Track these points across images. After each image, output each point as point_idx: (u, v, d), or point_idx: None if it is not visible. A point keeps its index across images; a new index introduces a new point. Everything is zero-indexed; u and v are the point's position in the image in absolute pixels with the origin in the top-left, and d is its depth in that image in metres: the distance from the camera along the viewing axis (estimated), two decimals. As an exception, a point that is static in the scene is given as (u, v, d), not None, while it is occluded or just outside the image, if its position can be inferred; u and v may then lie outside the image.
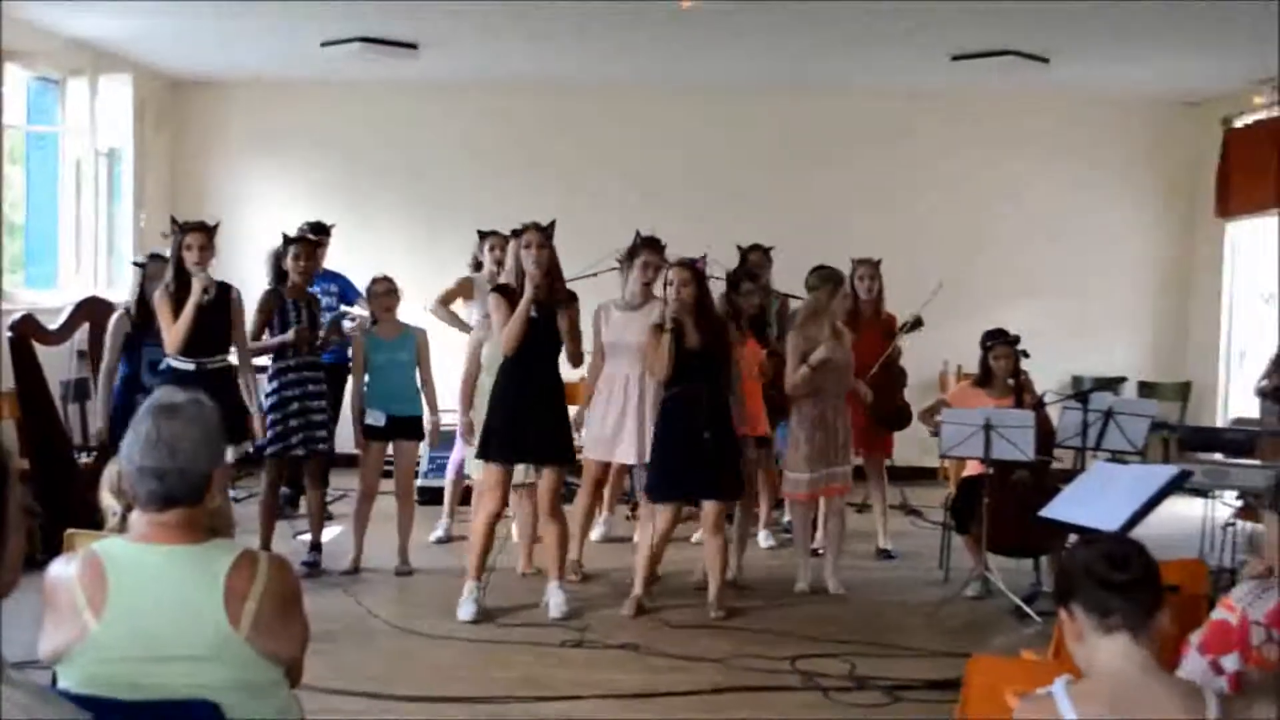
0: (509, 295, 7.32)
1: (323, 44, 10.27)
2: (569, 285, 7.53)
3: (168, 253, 7.96)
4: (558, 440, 7.47)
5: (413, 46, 10.35)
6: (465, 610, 7.38)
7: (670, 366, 7.36)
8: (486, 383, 8.01)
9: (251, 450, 8.07)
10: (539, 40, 10.31)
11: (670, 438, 7.51)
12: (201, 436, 3.09)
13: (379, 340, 8.48)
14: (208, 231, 7.77)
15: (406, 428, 8.52)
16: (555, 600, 7.51)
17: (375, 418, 8.39)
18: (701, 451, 7.35)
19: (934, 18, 9.23)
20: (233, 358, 7.90)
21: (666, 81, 12.10)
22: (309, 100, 12.42)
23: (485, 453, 7.48)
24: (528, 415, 7.32)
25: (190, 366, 7.57)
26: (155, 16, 9.65)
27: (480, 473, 7.98)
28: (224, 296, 7.77)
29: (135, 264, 8.85)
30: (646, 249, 8.20)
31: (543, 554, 7.85)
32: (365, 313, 9.32)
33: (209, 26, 10.01)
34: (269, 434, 8.04)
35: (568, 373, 7.73)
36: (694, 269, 7.54)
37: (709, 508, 7.62)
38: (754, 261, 9.12)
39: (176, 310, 7.56)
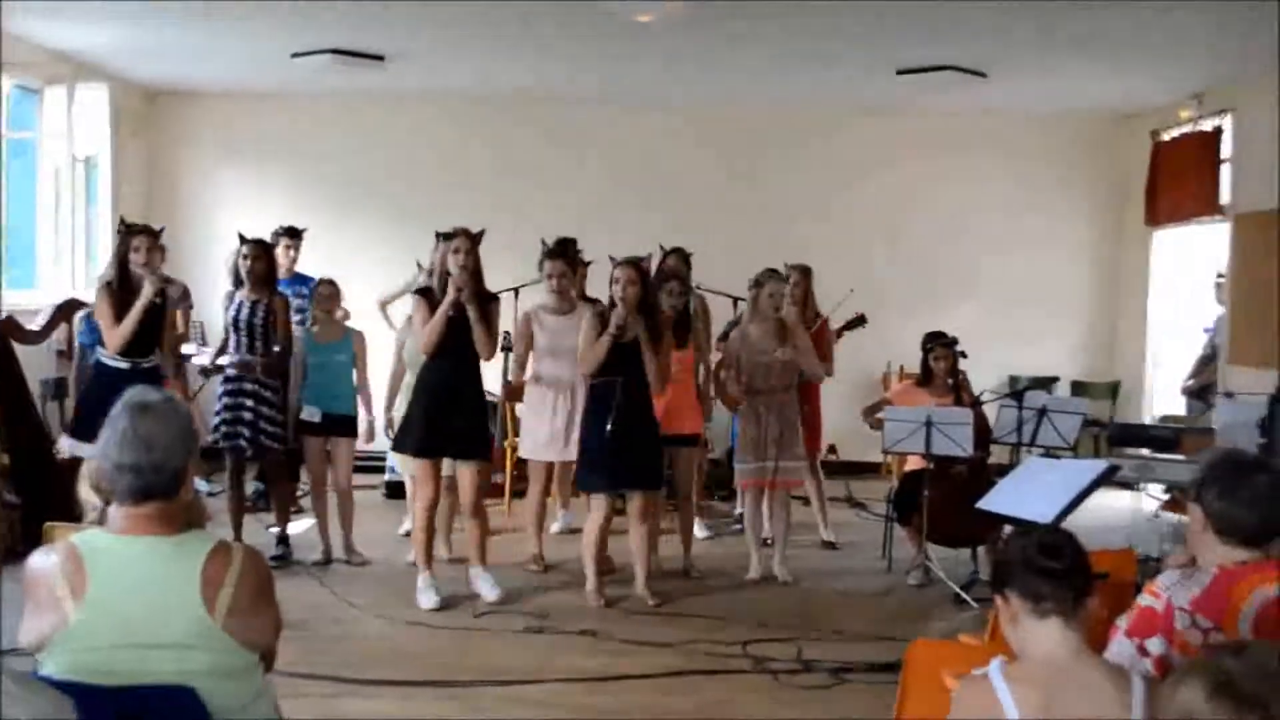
0: (430, 298, 7.34)
1: (293, 55, 10.22)
2: (522, 290, 7.54)
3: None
4: (474, 437, 7.46)
5: (380, 58, 10.31)
6: (425, 599, 7.39)
7: (600, 362, 7.37)
8: (411, 380, 8.03)
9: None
10: (500, 53, 10.29)
11: (589, 431, 7.52)
12: (175, 433, 3.09)
13: (318, 344, 8.45)
14: (154, 235, 7.69)
15: (342, 425, 8.47)
16: (486, 585, 7.53)
17: (310, 414, 8.35)
18: (612, 443, 7.32)
19: (880, 34, 9.26)
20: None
21: (622, 94, 12.09)
22: (280, 109, 12.35)
23: (400, 445, 7.54)
24: (445, 412, 7.32)
25: (125, 365, 7.52)
26: (132, 28, 9.59)
27: (401, 466, 8.13)
28: (163, 296, 7.70)
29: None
30: (549, 258, 8.24)
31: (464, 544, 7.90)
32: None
33: (183, 38, 9.94)
34: (220, 431, 7.99)
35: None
36: (639, 268, 7.54)
37: (631, 496, 7.59)
38: (672, 265, 9.04)
39: (118, 309, 7.48)
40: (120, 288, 7.54)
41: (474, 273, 7.30)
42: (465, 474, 7.48)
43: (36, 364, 9.17)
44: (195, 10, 8.93)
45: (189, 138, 12.50)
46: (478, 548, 7.60)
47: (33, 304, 9.58)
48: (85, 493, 3.98)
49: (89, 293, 10.16)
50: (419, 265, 9.04)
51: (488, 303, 7.40)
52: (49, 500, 7.88)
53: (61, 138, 10.79)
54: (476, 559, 7.61)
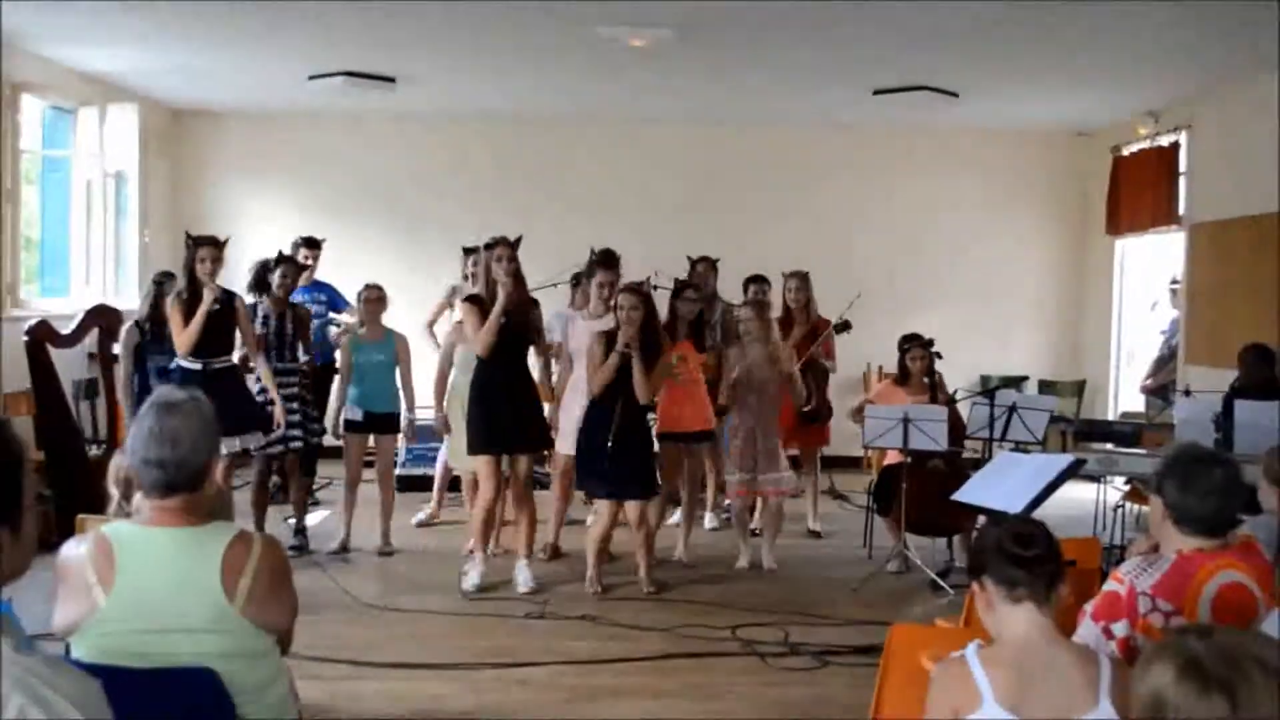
0: (480, 304, 7.32)
1: (310, 77, 10.21)
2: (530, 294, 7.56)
3: (175, 268, 7.90)
4: (533, 428, 7.49)
5: (391, 80, 10.30)
6: (472, 577, 7.43)
7: (607, 383, 7.34)
8: (459, 380, 8.00)
9: (264, 438, 7.91)
10: (503, 76, 10.28)
11: (587, 441, 7.49)
12: (199, 430, 3.09)
13: (363, 343, 8.45)
14: (218, 245, 7.70)
15: (384, 423, 8.49)
16: (523, 577, 7.49)
17: (353, 413, 8.36)
18: (609, 457, 7.30)
19: (858, 58, 9.27)
20: (235, 358, 7.84)
21: (616, 113, 12.10)
22: (297, 128, 12.33)
23: (474, 447, 7.45)
24: (506, 409, 7.31)
25: (198, 366, 7.51)
26: (158, 53, 9.58)
27: (462, 463, 8.12)
28: (230, 304, 7.71)
29: (154, 280, 8.71)
30: (601, 267, 8.19)
31: (509, 535, 7.84)
32: (352, 319, 9.30)
33: (207, 62, 9.93)
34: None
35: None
36: (641, 293, 7.48)
37: (629, 506, 7.55)
38: (699, 272, 9.17)
39: (187, 316, 7.49)
40: (190, 297, 7.53)
41: (515, 275, 7.30)
42: (521, 464, 7.47)
43: (69, 367, 9.14)
44: (217, 36, 8.93)
45: (211, 155, 12.48)
46: (526, 540, 7.57)
47: (66, 311, 9.55)
48: (111, 487, 3.98)
49: (119, 300, 10.17)
50: (453, 287, 9.12)
51: (531, 308, 7.46)
52: (80, 494, 7.89)
53: (94, 155, 10.78)
54: (524, 550, 7.57)
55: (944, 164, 12.72)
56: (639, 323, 7.33)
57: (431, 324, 9.45)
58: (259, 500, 8.13)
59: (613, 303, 7.59)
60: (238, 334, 7.88)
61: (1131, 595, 3.28)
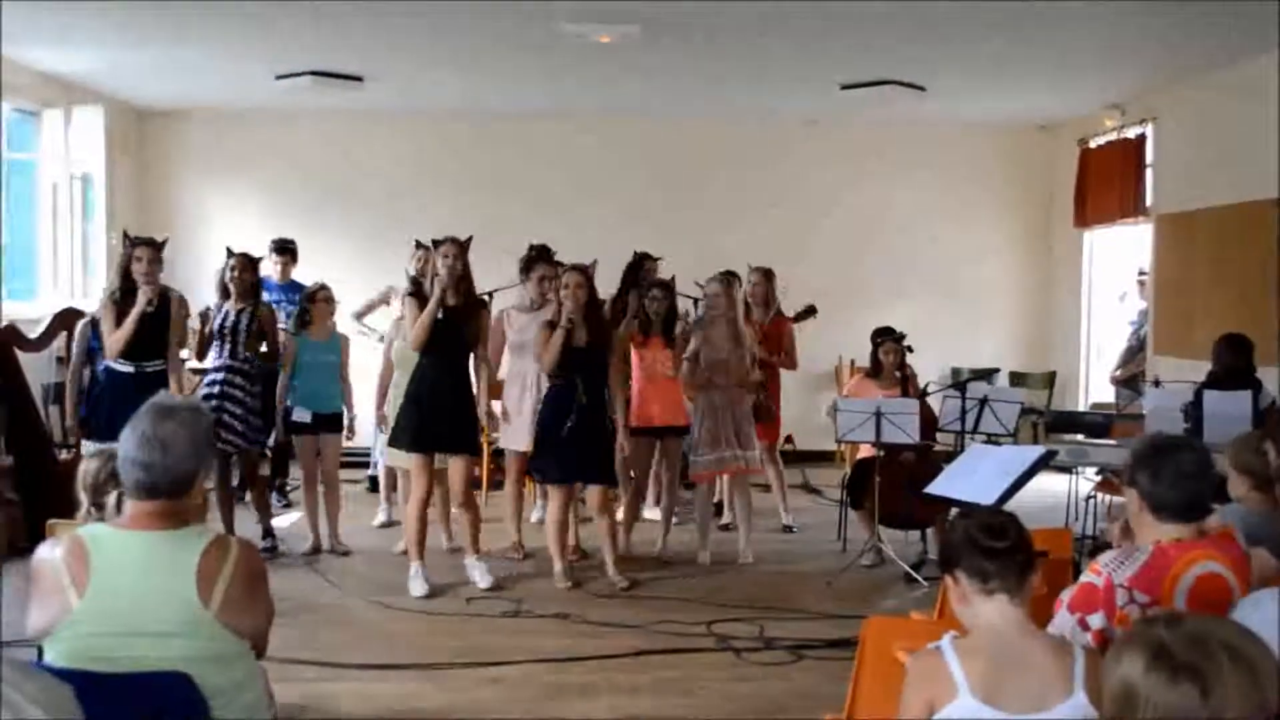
0: (420, 298, 7.31)
1: (277, 77, 10.17)
2: (493, 294, 7.54)
3: None
4: (464, 432, 7.40)
5: (358, 79, 10.27)
6: (416, 587, 7.34)
7: (556, 360, 7.38)
8: (399, 378, 8.01)
9: None
10: (469, 73, 10.25)
11: (547, 426, 7.52)
12: (190, 439, 3.09)
13: (310, 341, 8.39)
14: (155, 247, 7.58)
15: (330, 422, 8.42)
16: (478, 573, 7.48)
17: (301, 415, 8.29)
18: (570, 438, 7.35)
19: (823, 52, 9.29)
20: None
21: (582, 109, 12.08)
22: (265, 127, 12.26)
23: (396, 440, 7.48)
24: (436, 408, 7.28)
25: (130, 369, 7.43)
26: (124, 52, 9.52)
27: (393, 459, 8.13)
28: (165, 303, 7.57)
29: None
30: (541, 262, 8.24)
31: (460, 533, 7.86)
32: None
33: (173, 61, 9.87)
34: None
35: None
36: (585, 273, 7.57)
37: (590, 490, 7.60)
38: (649, 269, 9.10)
39: (119, 317, 7.39)
40: (123, 297, 7.45)
41: (463, 277, 7.28)
42: (456, 466, 7.44)
43: (37, 371, 9.07)
44: (183, 35, 8.88)
45: (179, 155, 12.40)
46: (471, 538, 7.57)
47: (33, 314, 9.48)
48: (79, 492, 3.96)
49: (86, 303, 10.09)
50: (389, 288, 9.16)
51: (477, 309, 7.41)
52: (49, 499, 7.82)
53: (59, 157, 10.71)
54: (470, 548, 7.57)
55: (912, 158, 12.75)
56: (582, 302, 7.40)
57: (361, 315, 9.48)
58: (222, 502, 8.06)
59: (560, 284, 7.60)
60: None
61: (1109, 588, 3.29)
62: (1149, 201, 10.82)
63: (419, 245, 8.83)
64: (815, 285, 9.56)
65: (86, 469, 4.00)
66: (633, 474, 8.32)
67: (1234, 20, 7.97)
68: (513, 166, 12.43)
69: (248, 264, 8.16)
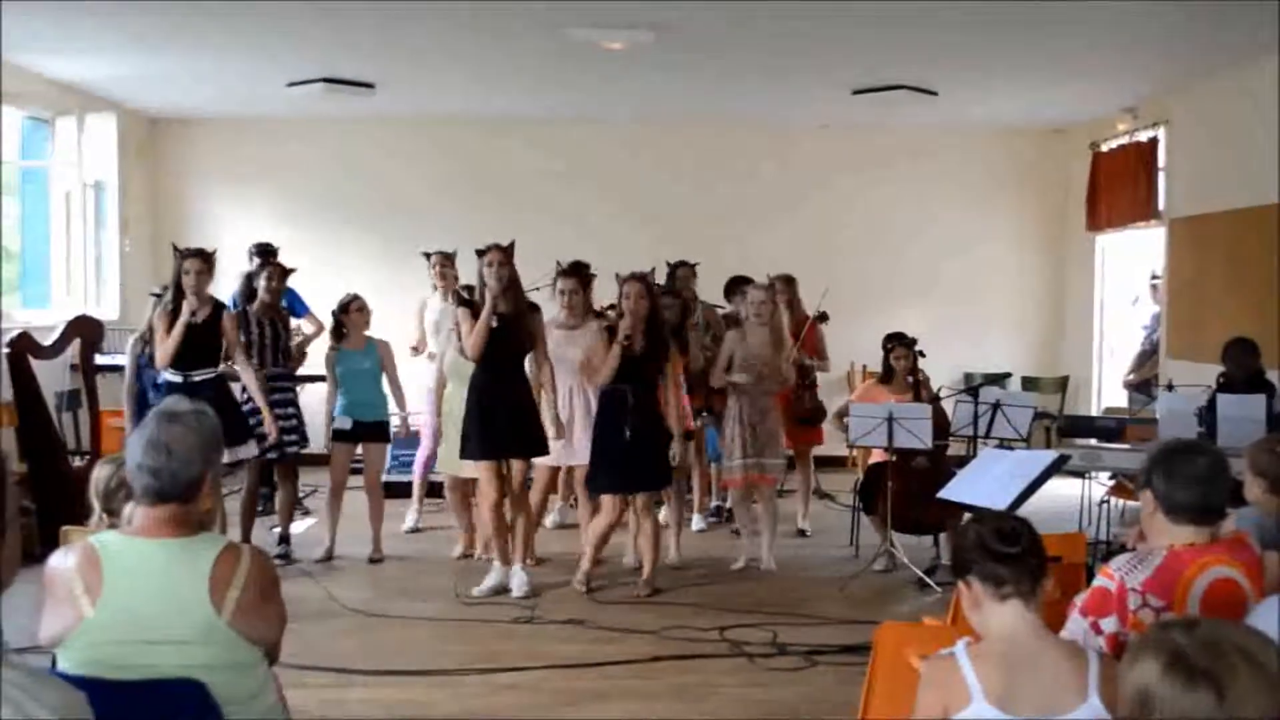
0: (473, 309, 7.28)
1: (288, 84, 10.20)
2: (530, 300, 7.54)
3: (155, 277, 7.87)
4: (530, 434, 7.39)
5: (370, 86, 10.29)
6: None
7: (614, 374, 7.36)
8: (453, 389, 7.99)
9: (257, 451, 7.88)
10: (482, 80, 10.27)
11: (601, 435, 7.51)
12: (197, 442, 3.08)
13: (347, 351, 8.41)
14: (204, 257, 7.61)
15: (372, 432, 8.45)
16: (518, 581, 7.46)
17: (342, 423, 8.33)
18: (626, 447, 7.34)
19: (838, 58, 9.29)
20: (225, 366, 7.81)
21: (596, 115, 12.11)
22: (276, 134, 12.28)
23: (466, 452, 7.40)
24: (502, 416, 7.26)
25: (179, 379, 7.44)
26: (137, 61, 9.55)
27: (448, 468, 8.19)
28: (216, 315, 7.62)
29: (152, 294, 8.65)
30: (563, 277, 8.17)
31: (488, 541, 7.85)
32: (311, 328, 9.56)
33: (186, 69, 9.91)
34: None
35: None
36: (646, 282, 7.54)
37: (639, 496, 7.60)
38: (681, 276, 9.17)
39: (169, 328, 7.43)
40: (174, 308, 7.48)
41: (511, 282, 7.26)
42: (517, 468, 7.41)
43: (51, 378, 9.09)
44: (196, 43, 8.91)
45: (191, 162, 12.43)
46: (521, 545, 7.54)
47: (47, 322, 9.51)
48: (92, 499, 3.97)
49: (100, 310, 10.14)
50: (424, 301, 9.34)
51: (530, 313, 7.39)
52: (63, 506, 7.84)
53: (72, 165, 10.76)
54: (519, 555, 7.53)
55: (924, 162, 12.74)
56: (644, 313, 7.39)
57: (416, 348, 9.52)
58: (248, 509, 8.09)
59: (567, 302, 7.74)
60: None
61: (1122, 592, 3.28)
62: (1162, 205, 10.79)
63: (427, 256, 8.86)
64: (823, 290, 9.53)
65: (98, 476, 4.02)
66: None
67: (1246, 23, 7.95)
68: (524, 172, 12.43)
69: (283, 272, 8.33)
